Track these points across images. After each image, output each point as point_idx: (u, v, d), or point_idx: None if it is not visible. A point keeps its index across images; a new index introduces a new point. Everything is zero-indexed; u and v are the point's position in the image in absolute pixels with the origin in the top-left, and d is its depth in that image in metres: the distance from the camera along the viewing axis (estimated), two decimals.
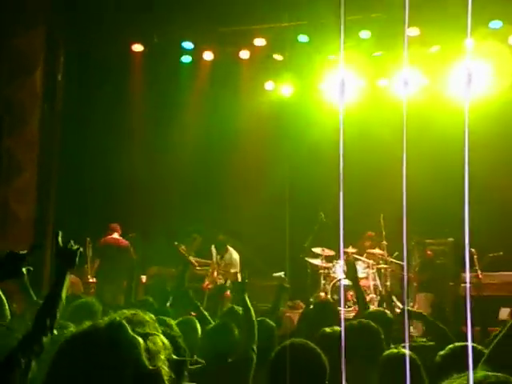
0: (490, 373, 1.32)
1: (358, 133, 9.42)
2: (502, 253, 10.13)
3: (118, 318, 1.60)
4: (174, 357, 1.72)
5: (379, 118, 10.53)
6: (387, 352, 3.45)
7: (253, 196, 11.45)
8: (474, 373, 1.30)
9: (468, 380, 1.25)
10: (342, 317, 10.37)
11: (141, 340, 1.58)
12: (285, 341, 3.33)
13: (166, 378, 1.60)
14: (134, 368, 1.52)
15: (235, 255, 10.86)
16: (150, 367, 1.55)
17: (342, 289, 10.75)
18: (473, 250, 9.63)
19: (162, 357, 1.62)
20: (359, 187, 9.67)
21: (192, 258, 10.78)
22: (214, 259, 10.89)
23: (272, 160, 11.30)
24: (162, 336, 1.68)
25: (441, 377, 1.42)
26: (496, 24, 9.98)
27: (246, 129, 11.89)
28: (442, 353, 3.21)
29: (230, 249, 10.87)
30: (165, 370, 1.60)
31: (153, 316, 1.75)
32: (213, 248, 10.94)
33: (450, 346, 3.25)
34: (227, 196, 11.84)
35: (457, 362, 1.43)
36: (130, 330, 1.58)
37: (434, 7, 8.71)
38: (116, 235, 10.28)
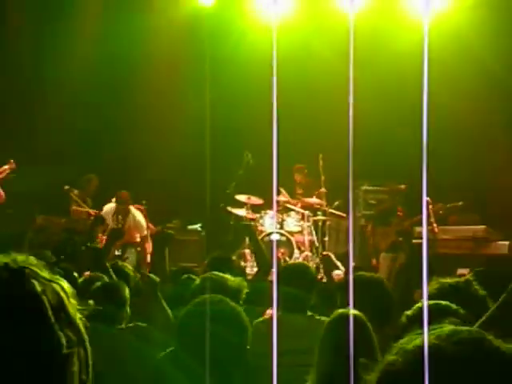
0: (460, 327, 1.17)
1: (294, 52, 8.82)
2: (460, 202, 9.48)
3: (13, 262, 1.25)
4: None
5: (320, 35, 9.78)
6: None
7: (164, 133, 10.56)
8: (440, 327, 1.16)
9: (427, 335, 1.10)
10: (275, 277, 9.43)
11: None
12: None
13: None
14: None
15: (139, 216, 9.48)
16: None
17: (274, 245, 9.62)
18: (428, 199, 8.80)
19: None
20: (294, 121, 8.98)
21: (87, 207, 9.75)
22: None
23: (188, 87, 10.16)
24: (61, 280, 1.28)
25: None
26: None
27: (156, 48, 10.65)
28: (408, 312, 2.83)
29: (133, 209, 9.43)
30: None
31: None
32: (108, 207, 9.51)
33: (418, 304, 2.85)
34: (133, 132, 10.83)
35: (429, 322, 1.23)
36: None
37: None
38: None
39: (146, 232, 9.66)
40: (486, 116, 9.95)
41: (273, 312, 3.88)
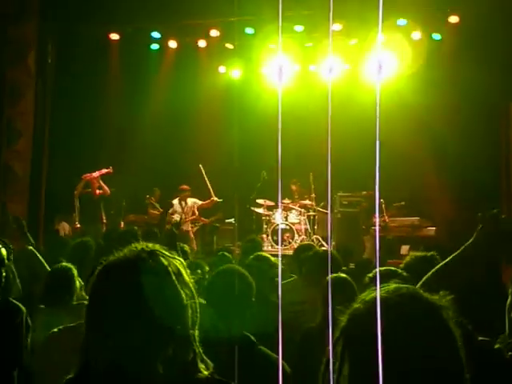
0: (401, 285, 1.28)
1: (293, 107, 9.39)
2: (403, 202, 10.50)
3: (147, 247, 1.52)
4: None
5: (310, 96, 10.46)
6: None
7: (208, 159, 11.41)
8: (388, 285, 1.26)
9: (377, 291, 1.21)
10: (279, 253, 10.94)
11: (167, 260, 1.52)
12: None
13: (194, 289, 1.55)
14: (180, 277, 1.49)
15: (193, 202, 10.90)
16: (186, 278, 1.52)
17: (279, 232, 10.92)
18: (382, 200, 9.85)
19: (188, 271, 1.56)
20: (294, 151, 9.52)
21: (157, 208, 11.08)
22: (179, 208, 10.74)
23: (224, 130, 11.13)
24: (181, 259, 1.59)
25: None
26: (402, 22, 10.10)
27: (202, 104, 11.81)
28: (369, 275, 3.20)
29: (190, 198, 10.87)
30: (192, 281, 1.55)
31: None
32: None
33: (375, 270, 3.16)
34: (187, 159, 11.69)
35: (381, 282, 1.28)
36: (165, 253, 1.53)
37: (352, 7, 8.69)
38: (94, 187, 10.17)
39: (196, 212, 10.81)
40: (419, 145, 10.37)
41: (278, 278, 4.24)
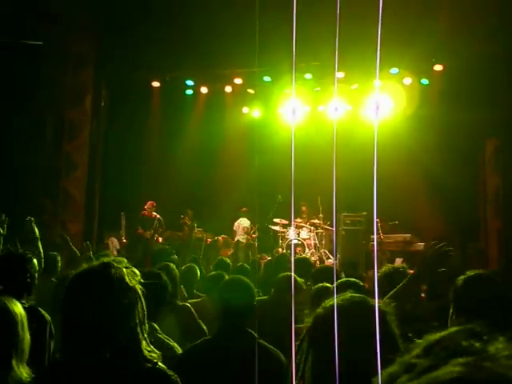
0: (356, 294, 1.34)
1: (304, 141, 9.37)
2: (397, 222, 10.38)
3: (106, 260, 1.64)
4: (142, 280, 1.67)
5: (319, 132, 10.40)
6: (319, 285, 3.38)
7: (233, 186, 11.43)
8: (345, 294, 1.33)
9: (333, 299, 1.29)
10: (292, 266, 10.84)
11: (124, 270, 1.61)
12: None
13: (141, 293, 1.62)
14: (120, 284, 1.57)
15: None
16: (131, 284, 1.59)
17: (292, 246, 10.89)
18: (377, 219, 9.80)
19: (137, 278, 1.64)
20: (305, 179, 9.10)
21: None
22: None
23: (247, 160, 11.17)
24: (133, 268, 1.68)
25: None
26: (394, 70, 10.07)
27: (229, 139, 11.92)
28: (335, 284, 3.11)
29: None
30: (139, 287, 1.63)
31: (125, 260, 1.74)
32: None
33: (339, 280, 3.20)
34: (217, 186, 11.75)
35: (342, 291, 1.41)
36: (115, 264, 1.62)
37: (353, 59, 8.63)
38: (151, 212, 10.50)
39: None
40: (410, 173, 10.44)
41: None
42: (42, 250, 3.96)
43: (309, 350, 1.26)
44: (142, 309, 1.58)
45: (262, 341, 2.60)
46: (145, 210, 10.47)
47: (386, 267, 3.47)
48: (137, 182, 11.08)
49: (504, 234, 8.11)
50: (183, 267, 4.90)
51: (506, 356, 0.53)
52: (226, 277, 4.36)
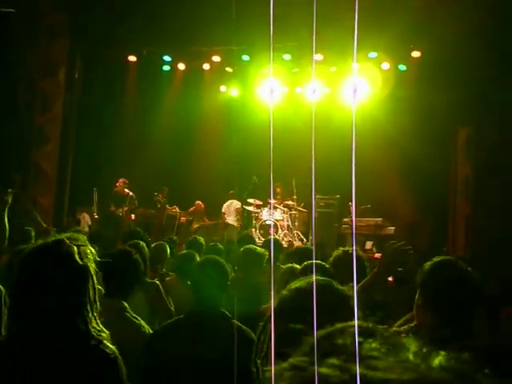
0: (322, 277, 1.37)
1: (282, 123, 9.30)
2: (369, 205, 10.33)
3: (60, 237, 1.64)
4: (98, 259, 1.68)
5: (296, 114, 10.41)
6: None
7: (209, 164, 11.47)
8: (311, 277, 1.35)
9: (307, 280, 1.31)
10: (272, 245, 10.78)
11: (75, 248, 1.62)
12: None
13: (93, 272, 1.62)
14: (70, 262, 1.58)
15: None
16: (81, 263, 1.60)
17: (272, 226, 10.91)
18: (350, 203, 9.66)
19: (90, 257, 1.64)
20: (280, 160, 8.96)
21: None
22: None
23: (223, 140, 11.20)
24: (89, 246, 1.68)
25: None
26: (373, 54, 10.06)
27: (206, 117, 11.82)
28: (300, 267, 3.08)
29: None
30: (92, 266, 1.63)
31: (84, 236, 1.73)
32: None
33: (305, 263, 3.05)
34: (192, 164, 11.68)
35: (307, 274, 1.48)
36: (67, 242, 1.63)
37: (332, 41, 8.60)
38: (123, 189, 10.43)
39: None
40: (384, 157, 10.37)
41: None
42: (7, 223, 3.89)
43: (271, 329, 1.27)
44: (93, 288, 1.58)
45: (235, 321, 2.61)
46: (117, 186, 10.42)
47: (337, 251, 3.46)
48: (111, 158, 10.97)
49: (471, 221, 8.18)
50: (153, 245, 4.90)
51: (373, 356, 0.53)
52: (197, 256, 4.45)
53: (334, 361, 0.54)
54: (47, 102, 9.25)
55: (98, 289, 1.62)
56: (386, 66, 10.37)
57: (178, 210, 11.09)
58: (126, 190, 10.38)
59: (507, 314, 3.01)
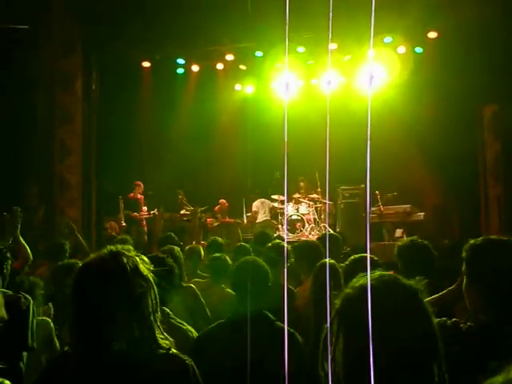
0: (384, 272, 1.31)
1: (298, 116, 9.15)
2: (395, 193, 10.34)
3: (114, 249, 1.62)
4: (152, 268, 1.66)
5: (313, 105, 10.22)
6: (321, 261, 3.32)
7: (228, 162, 11.49)
8: (372, 273, 1.29)
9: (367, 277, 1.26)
10: (285, 236, 10.64)
11: (137, 258, 1.62)
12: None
13: (153, 281, 1.61)
14: (134, 271, 1.57)
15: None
16: (144, 273, 1.60)
17: (285, 220, 10.85)
18: (377, 191, 9.91)
19: (148, 266, 1.64)
20: (302, 154, 9.45)
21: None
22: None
23: (241, 138, 11.49)
24: (142, 255, 1.67)
25: (350, 278, 1.37)
26: (388, 39, 9.93)
27: (222, 116, 11.80)
28: (346, 262, 3.19)
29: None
30: (151, 275, 1.62)
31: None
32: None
33: (352, 257, 3.16)
34: (211, 164, 11.70)
35: (360, 267, 1.40)
36: (127, 253, 1.62)
37: (346, 29, 8.46)
38: (137, 193, 10.45)
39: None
40: (407, 144, 10.27)
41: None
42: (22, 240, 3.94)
43: (339, 332, 1.23)
44: (155, 296, 1.57)
45: (279, 323, 2.57)
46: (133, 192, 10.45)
47: (402, 240, 3.43)
48: (132, 164, 10.98)
49: (504, 200, 7.96)
50: (187, 248, 4.91)
51: None
52: (228, 259, 4.47)
53: None
54: (66, 115, 9.29)
55: (158, 298, 1.61)
56: (402, 49, 10.15)
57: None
58: (139, 195, 10.42)
59: None
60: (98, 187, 9.86)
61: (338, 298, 1.27)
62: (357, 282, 1.28)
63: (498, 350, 1.64)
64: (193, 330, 2.78)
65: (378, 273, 1.29)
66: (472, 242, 1.96)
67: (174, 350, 1.61)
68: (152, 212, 10.24)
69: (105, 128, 10.20)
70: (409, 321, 1.15)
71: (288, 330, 2.54)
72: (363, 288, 1.21)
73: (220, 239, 5.47)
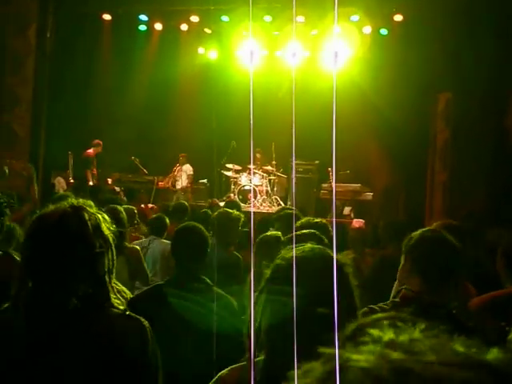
0: (314, 245, 1.34)
1: (261, 86, 9.01)
2: (348, 171, 10.19)
3: (76, 203, 1.56)
4: (113, 227, 1.61)
5: (276, 77, 10.25)
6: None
7: (187, 127, 11.24)
8: (303, 245, 1.33)
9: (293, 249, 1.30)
10: (252, 209, 10.88)
11: (99, 216, 1.57)
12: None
13: (112, 241, 1.58)
14: (95, 229, 1.52)
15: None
16: (106, 232, 1.56)
17: (252, 191, 10.79)
18: (329, 168, 9.93)
19: (108, 225, 1.59)
20: (261, 124, 9.19)
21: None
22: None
23: (201, 103, 11.01)
24: (104, 214, 1.62)
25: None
26: (355, 18, 9.90)
27: (183, 80, 11.54)
28: (288, 236, 3.11)
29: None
30: (111, 235, 1.58)
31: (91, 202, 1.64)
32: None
33: (297, 232, 2.99)
34: (168, 129, 11.39)
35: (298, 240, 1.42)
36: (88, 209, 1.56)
37: (314, 3, 8.50)
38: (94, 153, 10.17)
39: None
40: (364, 123, 10.17)
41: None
42: None
43: (267, 300, 1.25)
44: (112, 257, 1.54)
45: (215, 287, 2.61)
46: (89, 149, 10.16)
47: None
48: (85, 120, 10.62)
49: (449, 186, 8.21)
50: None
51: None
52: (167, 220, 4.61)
53: (370, 348, 0.51)
54: (17, 62, 8.86)
55: (115, 258, 1.57)
56: (367, 29, 10.17)
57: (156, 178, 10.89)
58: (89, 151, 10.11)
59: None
60: (47, 141, 9.52)
61: (269, 268, 1.30)
62: (287, 252, 1.31)
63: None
64: (127, 291, 2.69)
65: (309, 245, 1.33)
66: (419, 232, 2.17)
67: (128, 312, 1.59)
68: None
69: (58, 79, 9.76)
70: (332, 289, 1.14)
71: (223, 294, 2.61)
72: (291, 258, 1.24)
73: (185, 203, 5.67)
